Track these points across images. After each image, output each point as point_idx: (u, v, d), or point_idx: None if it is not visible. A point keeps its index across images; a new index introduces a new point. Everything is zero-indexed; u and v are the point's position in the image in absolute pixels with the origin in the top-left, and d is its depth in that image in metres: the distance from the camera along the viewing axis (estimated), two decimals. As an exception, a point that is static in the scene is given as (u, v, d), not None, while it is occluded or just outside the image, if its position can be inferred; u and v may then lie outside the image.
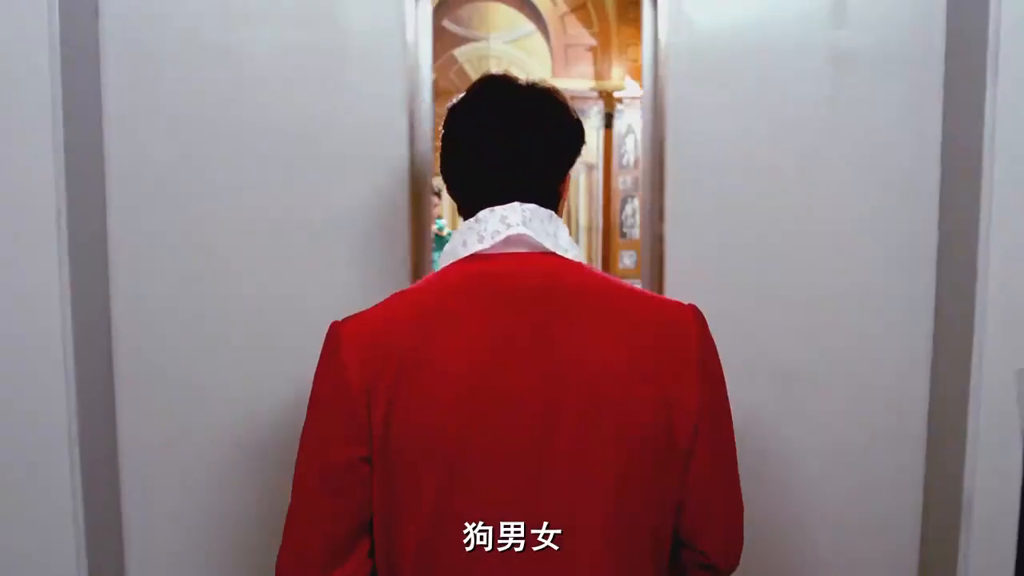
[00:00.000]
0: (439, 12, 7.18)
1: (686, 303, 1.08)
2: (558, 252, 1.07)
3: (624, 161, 7.68)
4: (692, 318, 1.06)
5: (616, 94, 7.56)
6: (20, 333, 1.62)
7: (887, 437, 1.93)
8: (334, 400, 1.02)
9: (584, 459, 0.98)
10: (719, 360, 1.08)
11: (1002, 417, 1.72)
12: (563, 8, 7.40)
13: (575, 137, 1.14)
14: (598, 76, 7.52)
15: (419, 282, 1.11)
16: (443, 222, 5.67)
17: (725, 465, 1.09)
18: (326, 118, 1.80)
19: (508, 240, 1.06)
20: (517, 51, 7.38)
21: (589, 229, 7.70)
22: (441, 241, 5.47)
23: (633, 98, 7.60)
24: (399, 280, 1.83)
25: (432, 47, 1.97)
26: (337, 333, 1.04)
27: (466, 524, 0.98)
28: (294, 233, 1.81)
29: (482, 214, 1.08)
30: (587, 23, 7.49)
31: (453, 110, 1.13)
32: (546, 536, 0.98)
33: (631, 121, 7.66)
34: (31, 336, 1.61)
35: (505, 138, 1.07)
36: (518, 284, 1.03)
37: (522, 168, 1.08)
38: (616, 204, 7.71)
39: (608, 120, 7.62)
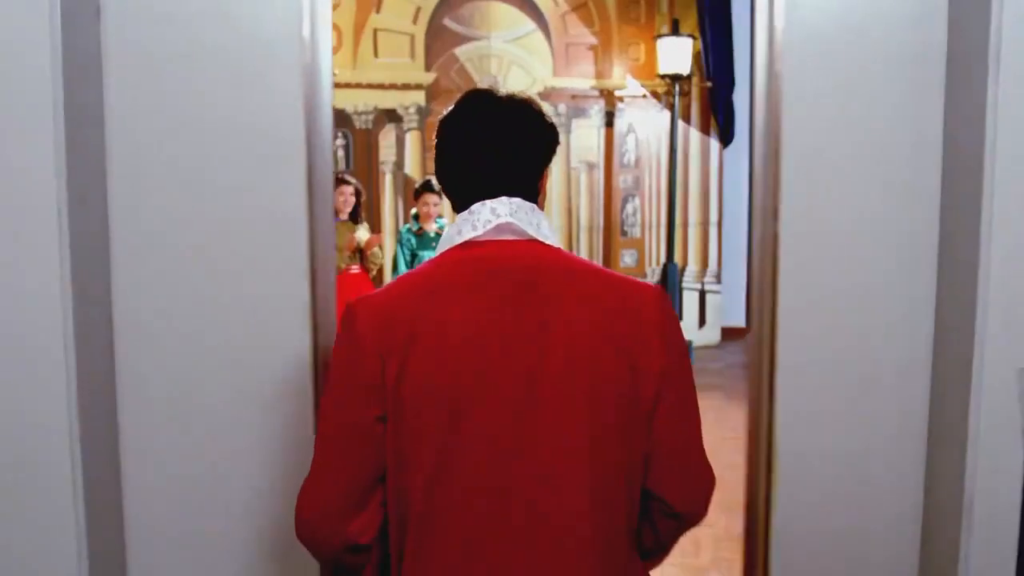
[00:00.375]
0: (440, 11, 7.18)
1: (651, 283, 1.28)
2: (540, 239, 1.25)
3: (625, 160, 7.66)
4: (653, 295, 1.25)
5: (617, 93, 7.54)
6: (21, 333, 1.61)
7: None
8: (353, 367, 1.19)
9: (563, 408, 1.16)
10: (681, 332, 1.26)
11: (1003, 417, 1.72)
12: (564, 7, 7.39)
13: (550, 139, 1.30)
14: (599, 75, 7.49)
15: (420, 266, 1.28)
16: (444, 221, 5.67)
17: (685, 422, 1.25)
18: (223, 116, 1.77)
19: (499, 228, 1.23)
20: (518, 50, 7.36)
21: (590, 228, 7.68)
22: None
23: (634, 97, 7.59)
24: (297, 275, 1.82)
25: (332, 42, 1.93)
26: (353, 310, 1.21)
27: (464, 467, 1.15)
28: (197, 232, 1.80)
29: (475, 207, 1.25)
30: (588, 22, 7.47)
31: (444, 123, 1.31)
32: (532, 474, 1.15)
33: (632, 120, 7.64)
34: (32, 336, 1.61)
35: (492, 145, 1.25)
36: (506, 265, 1.21)
37: (507, 169, 1.26)
38: (617, 203, 7.70)
39: (609, 119, 7.59)
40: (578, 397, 1.16)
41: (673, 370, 1.22)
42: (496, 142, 1.25)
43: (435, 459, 1.16)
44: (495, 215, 1.24)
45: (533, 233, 1.24)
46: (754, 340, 1.98)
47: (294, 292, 1.82)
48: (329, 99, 1.91)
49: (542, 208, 1.31)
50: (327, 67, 1.87)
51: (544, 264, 1.22)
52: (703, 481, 1.29)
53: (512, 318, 1.17)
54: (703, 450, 1.29)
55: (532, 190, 1.28)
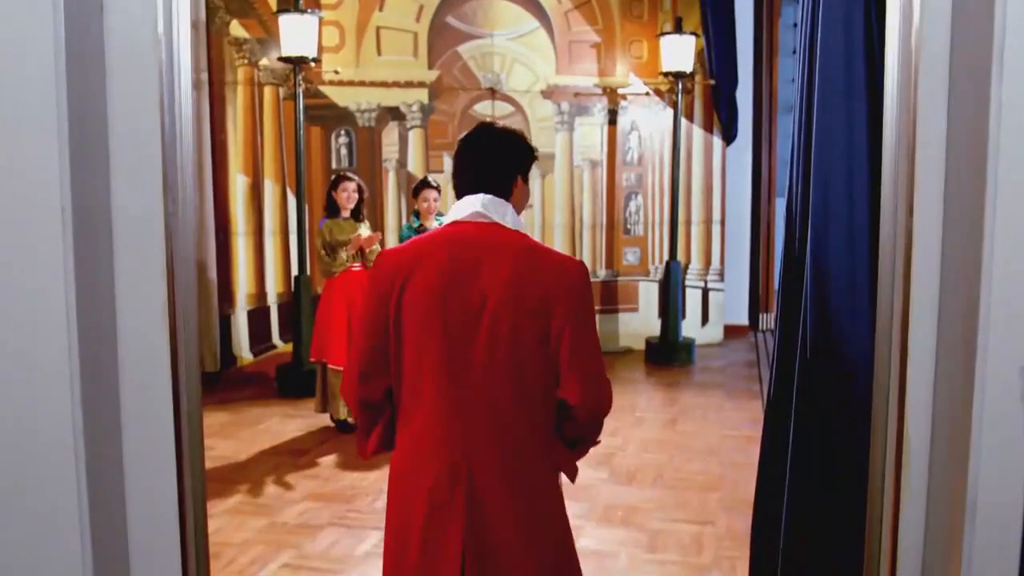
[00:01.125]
0: (442, 9, 7.17)
1: (578, 260, 1.94)
2: (502, 223, 1.91)
3: (628, 158, 7.64)
4: (576, 266, 1.90)
5: (620, 90, 7.53)
6: (24, 332, 1.62)
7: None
8: (375, 289, 1.93)
9: (495, 329, 1.83)
10: (590, 292, 1.90)
11: (1006, 415, 1.72)
12: (567, 4, 7.37)
13: (523, 156, 2.01)
14: (602, 72, 7.47)
15: (427, 232, 2.03)
16: (444, 218, 5.64)
17: (587, 351, 1.86)
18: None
19: (473, 214, 1.92)
20: (521, 47, 7.35)
21: (593, 226, 7.67)
22: None
23: (637, 94, 7.58)
24: (154, 275, 1.80)
25: (193, 40, 1.87)
26: (380, 256, 1.98)
27: (432, 353, 1.85)
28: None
29: (463, 199, 1.96)
30: (591, 20, 7.45)
31: (460, 143, 2.02)
32: (477, 362, 1.83)
33: (635, 117, 7.61)
34: (35, 335, 1.62)
35: (476, 160, 1.98)
36: (470, 237, 1.90)
37: (484, 176, 1.95)
38: (620, 201, 7.68)
39: (612, 116, 7.57)
40: (504, 323, 1.82)
41: (579, 314, 1.85)
42: (478, 158, 1.98)
43: (415, 351, 1.87)
44: (472, 206, 1.92)
45: (498, 219, 1.91)
46: (881, 337, 1.96)
47: (151, 293, 1.80)
48: (188, 97, 1.88)
49: (521, 203, 2.00)
50: (186, 64, 1.84)
51: (495, 239, 1.89)
52: (600, 389, 1.89)
53: (467, 268, 1.85)
54: (601, 369, 1.90)
55: (505, 190, 1.95)
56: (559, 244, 7.60)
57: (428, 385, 1.84)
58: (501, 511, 1.82)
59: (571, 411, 1.86)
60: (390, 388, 1.93)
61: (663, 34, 7.13)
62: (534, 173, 7.47)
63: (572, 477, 1.96)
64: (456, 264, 1.84)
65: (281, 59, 6.21)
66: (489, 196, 1.91)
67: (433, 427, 1.84)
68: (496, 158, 1.96)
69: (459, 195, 1.95)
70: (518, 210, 1.98)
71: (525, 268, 1.84)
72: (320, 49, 6.43)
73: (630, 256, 7.84)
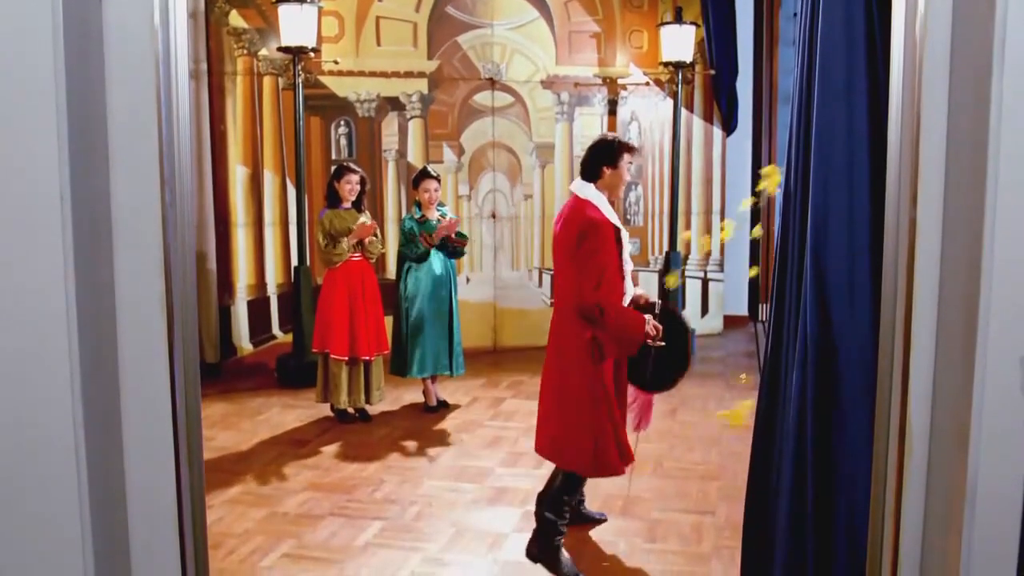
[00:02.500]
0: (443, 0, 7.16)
1: (590, 217, 3.43)
2: (581, 196, 3.43)
3: (628, 148, 7.64)
4: (583, 220, 3.33)
5: (620, 81, 7.51)
6: (24, 323, 1.62)
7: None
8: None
9: (555, 253, 3.53)
10: (588, 238, 3.29)
11: (1006, 407, 1.72)
12: (567, -6, 7.37)
13: (601, 152, 3.46)
14: (602, 63, 7.46)
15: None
16: (446, 208, 5.63)
17: (580, 277, 3.30)
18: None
19: (571, 191, 3.52)
20: (521, 37, 7.33)
21: (593, 216, 7.68)
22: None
23: (637, 84, 7.56)
24: (152, 270, 1.80)
25: (190, 30, 1.87)
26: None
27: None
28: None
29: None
30: (591, 10, 7.43)
31: None
32: (556, 273, 3.59)
33: (635, 108, 7.60)
34: (36, 326, 1.62)
35: (583, 159, 3.55)
36: (567, 204, 3.52)
37: (582, 167, 3.52)
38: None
39: (612, 107, 7.56)
40: (557, 251, 3.46)
41: (577, 251, 3.28)
42: (583, 158, 3.50)
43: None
44: (573, 186, 3.47)
45: (579, 194, 3.40)
46: (884, 328, 1.95)
47: (148, 284, 1.81)
48: (185, 88, 1.86)
49: (614, 183, 3.45)
50: (182, 55, 1.83)
51: (571, 204, 3.42)
52: (582, 297, 3.28)
53: (558, 221, 3.47)
54: (586, 286, 3.26)
55: (593, 176, 3.42)
56: (559, 235, 7.58)
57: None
58: (551, 342, 3.52)
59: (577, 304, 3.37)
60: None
61: (663, 24, 7.11)
62: (534, 164, 7.51)
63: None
64: (558, 219, 3.46)
65: (280, 49, 6.19)
66: (580, 180, 3.44)
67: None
68: (586, 156, 3.47)
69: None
70: (613, 188, 3.44)
71: (565, 221, 3.38)
72: (319, 39, 6.42)
73: (630, 247, 7.84)
